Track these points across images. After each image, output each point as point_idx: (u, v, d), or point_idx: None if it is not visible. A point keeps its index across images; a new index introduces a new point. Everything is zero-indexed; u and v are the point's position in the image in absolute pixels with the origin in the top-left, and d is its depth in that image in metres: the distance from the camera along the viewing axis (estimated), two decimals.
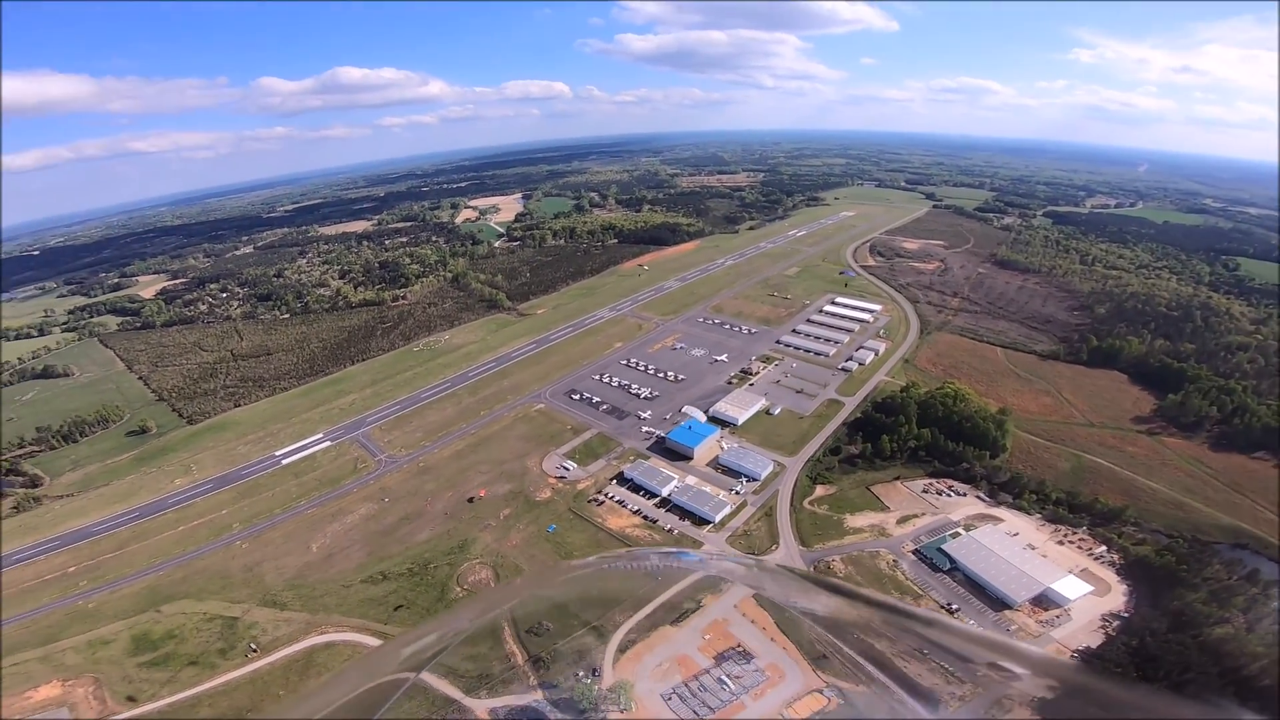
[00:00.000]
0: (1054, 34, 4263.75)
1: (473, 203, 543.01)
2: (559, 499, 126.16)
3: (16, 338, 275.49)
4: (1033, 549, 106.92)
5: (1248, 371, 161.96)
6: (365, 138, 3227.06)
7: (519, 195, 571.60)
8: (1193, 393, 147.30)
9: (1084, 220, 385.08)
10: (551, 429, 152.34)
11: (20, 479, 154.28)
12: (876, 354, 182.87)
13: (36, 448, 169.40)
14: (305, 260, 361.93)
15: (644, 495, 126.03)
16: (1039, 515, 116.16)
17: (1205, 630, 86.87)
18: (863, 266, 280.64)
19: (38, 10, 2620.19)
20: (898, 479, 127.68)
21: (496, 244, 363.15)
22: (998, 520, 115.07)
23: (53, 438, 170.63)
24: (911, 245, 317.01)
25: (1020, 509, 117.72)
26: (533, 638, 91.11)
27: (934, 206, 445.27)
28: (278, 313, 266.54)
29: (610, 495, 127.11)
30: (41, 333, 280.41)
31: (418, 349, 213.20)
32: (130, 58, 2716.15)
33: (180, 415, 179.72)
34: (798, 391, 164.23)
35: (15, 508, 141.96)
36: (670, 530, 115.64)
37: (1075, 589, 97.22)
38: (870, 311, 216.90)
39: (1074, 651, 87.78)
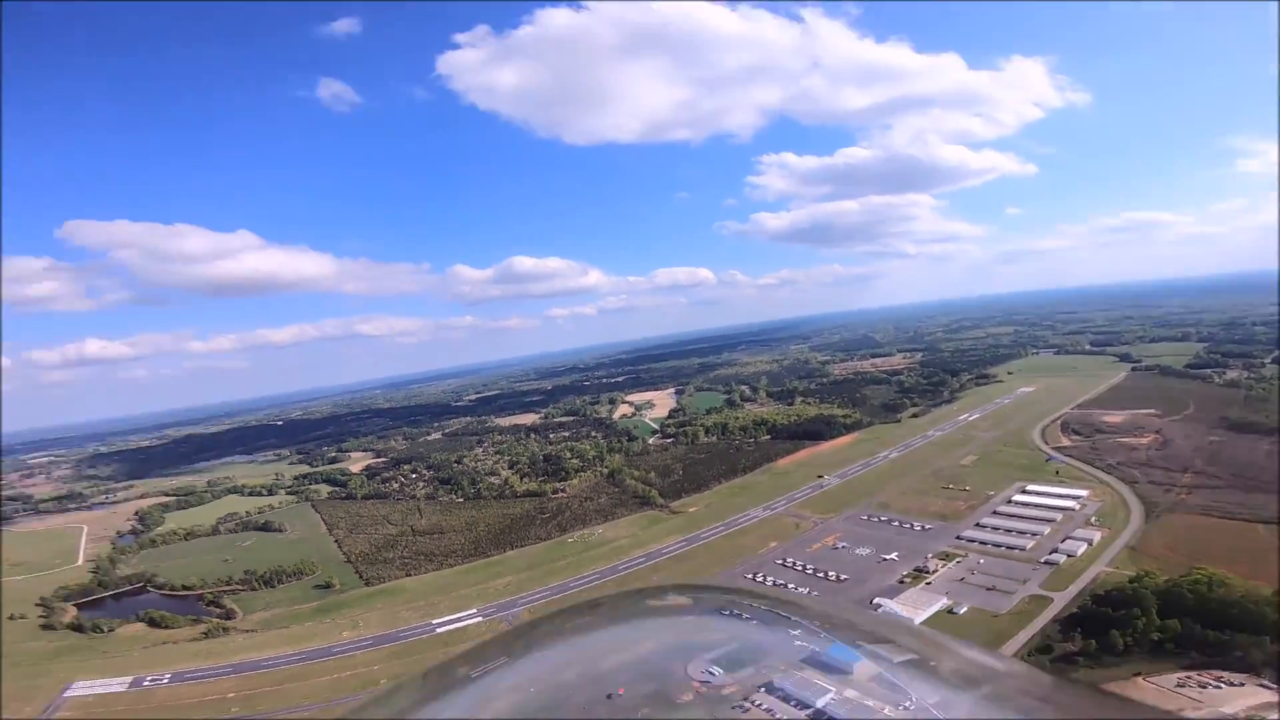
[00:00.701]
0: (1209, 148, 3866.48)
1: (629, 398, 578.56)
2: (700, 705, 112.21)
3: (251, 494, 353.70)
4: None
5: None
6: (535, 329, 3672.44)
7: (672, 390, 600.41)
8: None
9: None
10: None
11: (219, 610, 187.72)
12: (1090, 544, 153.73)
13: (240, 586, 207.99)
14: (482, 449, 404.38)
15: (795, 705, 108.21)
16: None
17: None
18: (1056, 448, 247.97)
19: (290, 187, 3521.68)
20: (1138, 675, 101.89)
21: (651, 440, 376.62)
22: None
23: (256, 580, 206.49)
24: (1114, 418, 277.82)
25: None
26: None
27: (1133, 369, 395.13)
28: (454, 496, 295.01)
29: (758, 703, 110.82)
30: (270, 492, 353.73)
31: (572, 540, 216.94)
32: (362, 239, 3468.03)
33: (360, 576, 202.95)
34: (989, 589, 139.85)
35: (205, 633, 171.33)
36: None
37: None
38: (1075, 498, 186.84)
39: None
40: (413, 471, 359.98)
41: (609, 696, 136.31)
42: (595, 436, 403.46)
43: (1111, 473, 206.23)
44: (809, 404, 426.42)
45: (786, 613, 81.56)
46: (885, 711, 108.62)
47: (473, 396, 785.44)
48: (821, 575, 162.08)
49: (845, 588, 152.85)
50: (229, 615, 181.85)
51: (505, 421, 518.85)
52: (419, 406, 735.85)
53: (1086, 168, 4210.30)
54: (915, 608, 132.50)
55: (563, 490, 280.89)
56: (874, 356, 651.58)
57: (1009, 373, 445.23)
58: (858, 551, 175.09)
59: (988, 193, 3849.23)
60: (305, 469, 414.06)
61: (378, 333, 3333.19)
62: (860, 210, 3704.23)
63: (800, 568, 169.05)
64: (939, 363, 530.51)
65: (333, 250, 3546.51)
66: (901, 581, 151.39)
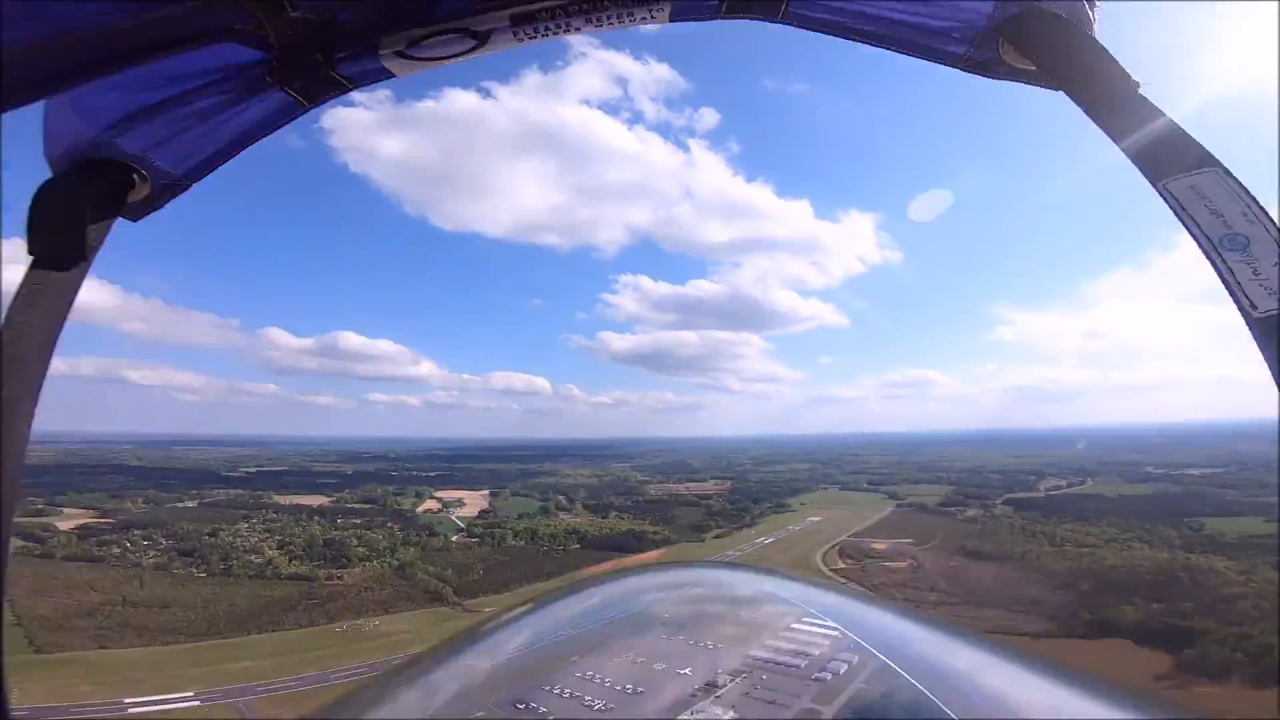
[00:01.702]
0: (978, 313, 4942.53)
1: (439, 493, 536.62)
2: None
3: None
4: None
5: (1254, 616, 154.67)
6: (350, 410, 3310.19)
7: (486, 491, 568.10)
8: (1209, 644, 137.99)
9: (1042, 504, 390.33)
10: None
11: None
12: (851, 664, 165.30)
13: None
14: (247, 525, 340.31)
15: None
16: None
17: None
18: (833, 570, 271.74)
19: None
20: None
21: (454, 538, 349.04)
22: None
23: None
24: (881, 546, 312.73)
25: None
26: None
27: (898, 505, 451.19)
28: (194, 570, 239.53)
29: None
30: None
31: (340, 629, 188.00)
32: (163, 276, 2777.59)
33: (31, 643, 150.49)
34: (769, 703, 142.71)
35: None
36: None
37: None
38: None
39: None
40: (145, 539, 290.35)
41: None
42: (391, 527, 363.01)
43: (875, 592, 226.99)
44: (622, 519, 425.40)
45: None
46: None
47: (252, 468, 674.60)
48: (619, 688, 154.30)
49: (638, 700, 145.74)
50: None
51: (286, 500, 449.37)
52: (178, 470, 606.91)
53: (887, 325, 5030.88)
54: None
55: (340, 578, 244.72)
56: (689, 481, 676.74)
57: (801, 503, 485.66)
58: (655, 666, 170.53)
59: (807, 340, 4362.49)
60: None
61: (150, 382, 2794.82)
62: (699, 342, 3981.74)
63: (599, 681, 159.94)
64: (745, 491, 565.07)
65: (122, 282, 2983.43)
66: (693, 695, 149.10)
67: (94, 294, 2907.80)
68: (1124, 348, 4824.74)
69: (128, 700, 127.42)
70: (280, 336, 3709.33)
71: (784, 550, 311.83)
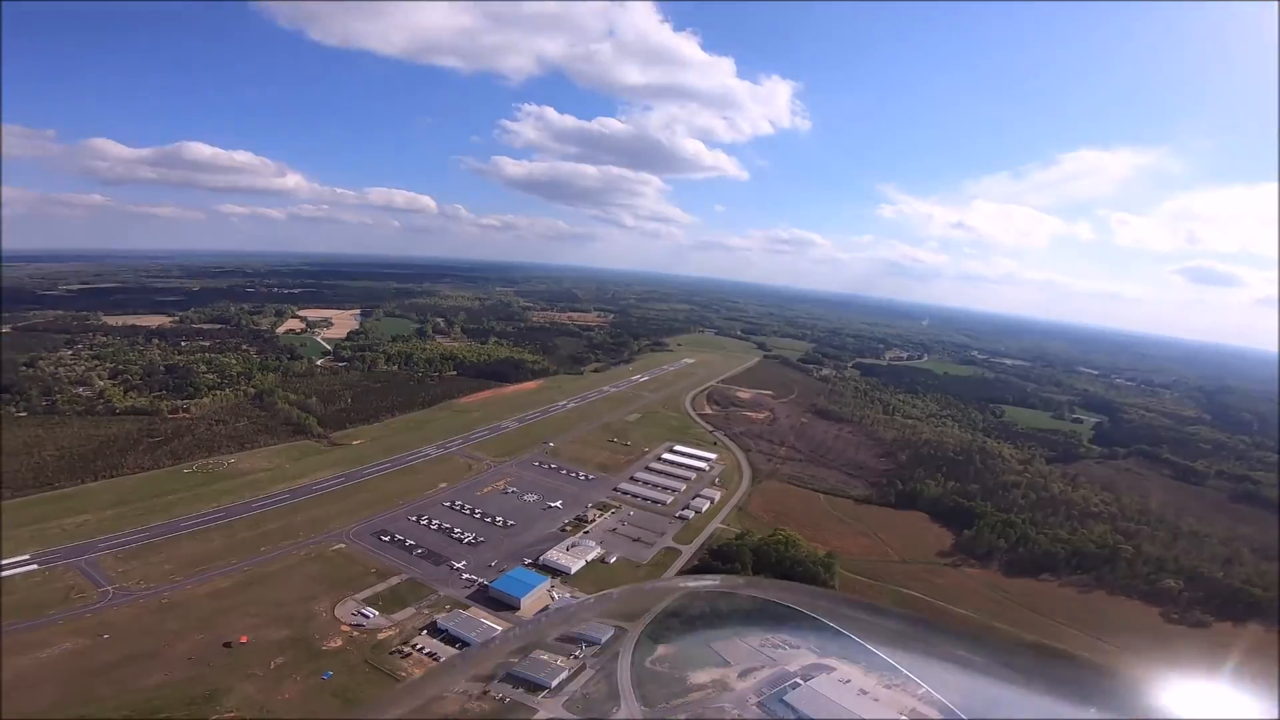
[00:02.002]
0: (867, 190, 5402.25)
1: (303, 312, 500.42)
2: (353, 649, 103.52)
3: None
4: (865, 693, 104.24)
5: (1023, 505, 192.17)
6: (197, 223, 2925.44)
7: (358, 311, 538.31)
8: (983, 528, 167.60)
9: (884, 372, 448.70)
10: (351, 571, 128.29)
11: None
12: (712, 502, 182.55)
13: None
14: (71, 351, 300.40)
15: (460, 648, 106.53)
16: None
17: None
18: (700, 415, 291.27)
19: None
20: (735, 635, 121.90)
21: (319, 362, 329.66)
22: (830, 668, 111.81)
23: None
24: (745, 395, 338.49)
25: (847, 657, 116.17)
26: None
27: (765, 356, 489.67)
28: (13, 409, 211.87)
29: (420, 647, 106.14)
30: None
31: (189, 470, 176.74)
32: None
33: None
34: (635, 540, 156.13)
35: None
36: (501, 698, 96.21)
37: None
38: (707, 460, 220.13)
39: None
40: None
41: (227, 645, 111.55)
42: (247, 350, 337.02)
43: (735, 440, 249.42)
44: (502, 345, 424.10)
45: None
46: (558, 662, 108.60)
47: (75, 286, 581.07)
48: (489, 520, 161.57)
49: (510, 533, 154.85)
50: None
51: (119, 320, 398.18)
52: None
53: (782, 184, 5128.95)
54: (574, 557, 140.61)
55: (186, 410, 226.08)
56: (573, 310, 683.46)
57: (678, 344, 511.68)
58: (526, 498, 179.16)
59: (706, 187, 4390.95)
60: None
61: None
62: (598, 176, 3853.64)
63: (468, 511, 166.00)
64: (626, 326, 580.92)
65: None
66: (563, 529, 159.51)
67: None
68: (980, 241, 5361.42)
69: None
70: (108, 146, 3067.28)
71: (657, 390, 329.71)
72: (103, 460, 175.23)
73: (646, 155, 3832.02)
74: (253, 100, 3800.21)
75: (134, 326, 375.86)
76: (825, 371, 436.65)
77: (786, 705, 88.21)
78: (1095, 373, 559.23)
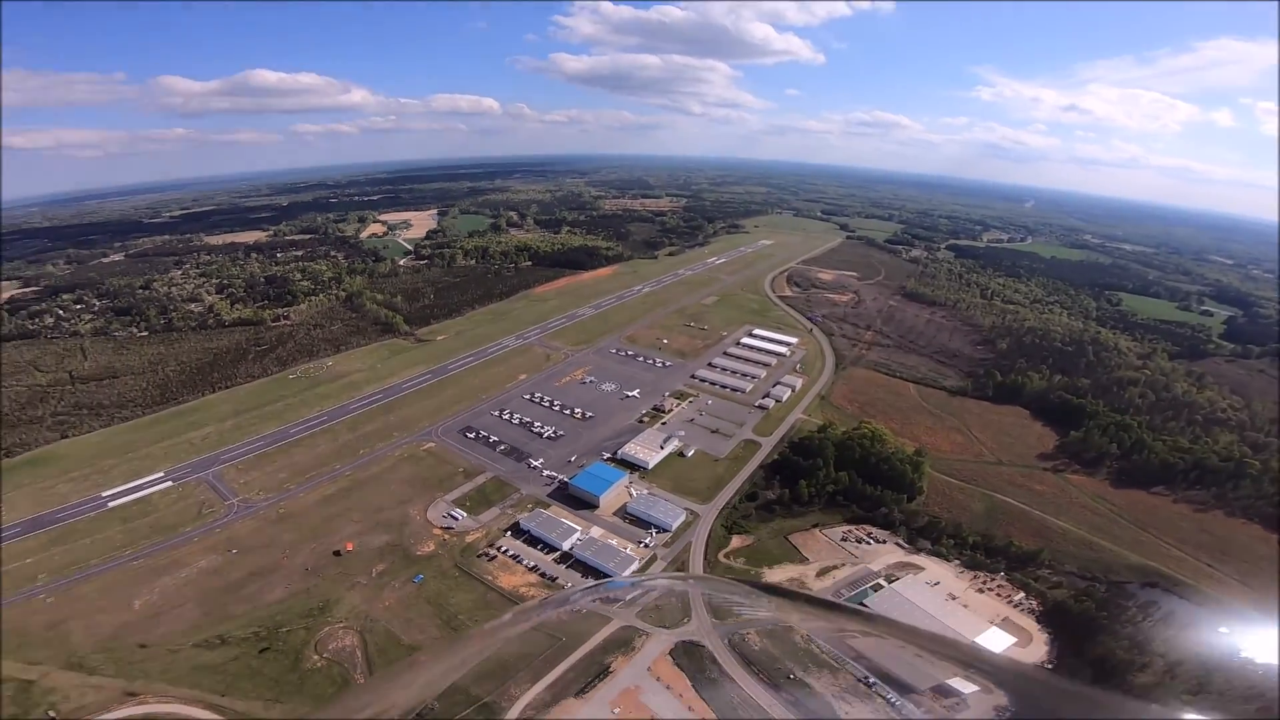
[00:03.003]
0: (960, 72, 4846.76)
1: (383, 217, 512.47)
2: (444, 553, 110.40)
3: None
4: (954, 599, 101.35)
5: (1140, 406, 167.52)
6: (276, 145, 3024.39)
7: (434, 211, 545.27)
8: (1093, 429, 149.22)
9: (982, 254, 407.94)
10: (441, 472, 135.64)
11: None
12: (793, 390, 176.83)
13: None
14: (180, 272, 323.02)
15: (542, 549, 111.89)
16: (957, 561, 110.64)
17: (1130, 677, 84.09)
18: (780, 297, 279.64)
19: None
20: (816, 526, 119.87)
21: (402, 262, 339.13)
22: (918, 569, 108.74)
23: None
24: (827, 276, 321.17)
25: (939, 555, 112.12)
26: None
27: (847, 238, 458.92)
28: (136, 330, 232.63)
29: (504, 549, 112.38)
30: None
31: (294, 376, 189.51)
32: (28, 47, 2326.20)
33: None
34: (713, 431, 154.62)
35: None
36: (578, 610, 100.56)
37: (1000, 642, 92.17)
38: (788, 344, 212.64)
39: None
40: (77, 302, 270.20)
41: (337, 554, 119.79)
42: (335, 256, 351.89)
43: (816, 324, 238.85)
44: (575, 234, 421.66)
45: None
46: (628, 550, 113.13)
47: (176, 213, 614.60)
48: (568, 412, 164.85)
49: (588, 426, 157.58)
50: None
51: (219, 240, 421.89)
52: (94, 225, 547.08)
53: (863, 68, 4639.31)
54: (651, 450, 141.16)
55: (286, 318, 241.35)
56: (644, 197, 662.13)
57: (755, 225, 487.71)
58: (603, 387, 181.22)
59: (778, 72, 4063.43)
60: None
61: (40, 145, 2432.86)
62: (661, 66, 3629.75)
63: (548, 403, 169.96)
64: (700, 209, 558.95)
65: None
66: (641, 420, 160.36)
67: None
68: (1098, 125, 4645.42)
69: (105, 494, 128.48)
70: (177, 83, 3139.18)
71: (734, 272, 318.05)
72: (218, 372, 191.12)
73: (711, 42, 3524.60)
74: (306, 21, 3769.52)
75: (233, 244, 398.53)
76: (915, 253, 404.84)
77: (865, 610, 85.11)
78: (1229, 262, 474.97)
